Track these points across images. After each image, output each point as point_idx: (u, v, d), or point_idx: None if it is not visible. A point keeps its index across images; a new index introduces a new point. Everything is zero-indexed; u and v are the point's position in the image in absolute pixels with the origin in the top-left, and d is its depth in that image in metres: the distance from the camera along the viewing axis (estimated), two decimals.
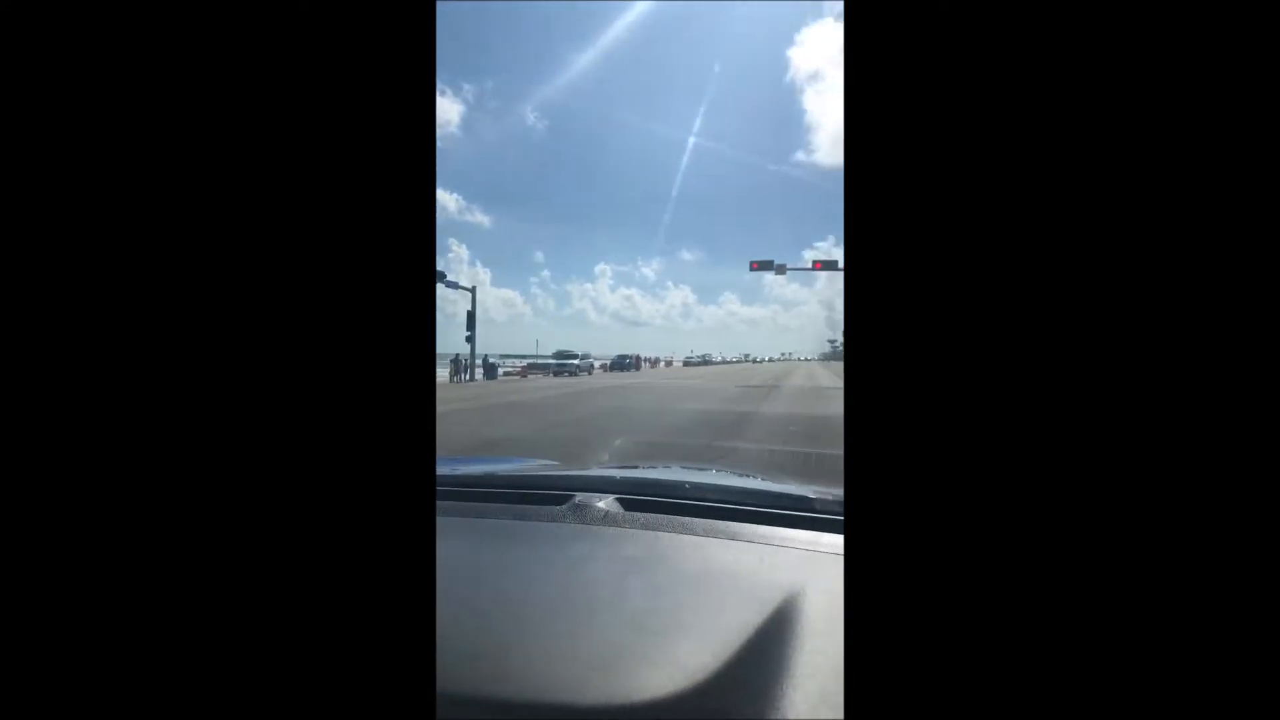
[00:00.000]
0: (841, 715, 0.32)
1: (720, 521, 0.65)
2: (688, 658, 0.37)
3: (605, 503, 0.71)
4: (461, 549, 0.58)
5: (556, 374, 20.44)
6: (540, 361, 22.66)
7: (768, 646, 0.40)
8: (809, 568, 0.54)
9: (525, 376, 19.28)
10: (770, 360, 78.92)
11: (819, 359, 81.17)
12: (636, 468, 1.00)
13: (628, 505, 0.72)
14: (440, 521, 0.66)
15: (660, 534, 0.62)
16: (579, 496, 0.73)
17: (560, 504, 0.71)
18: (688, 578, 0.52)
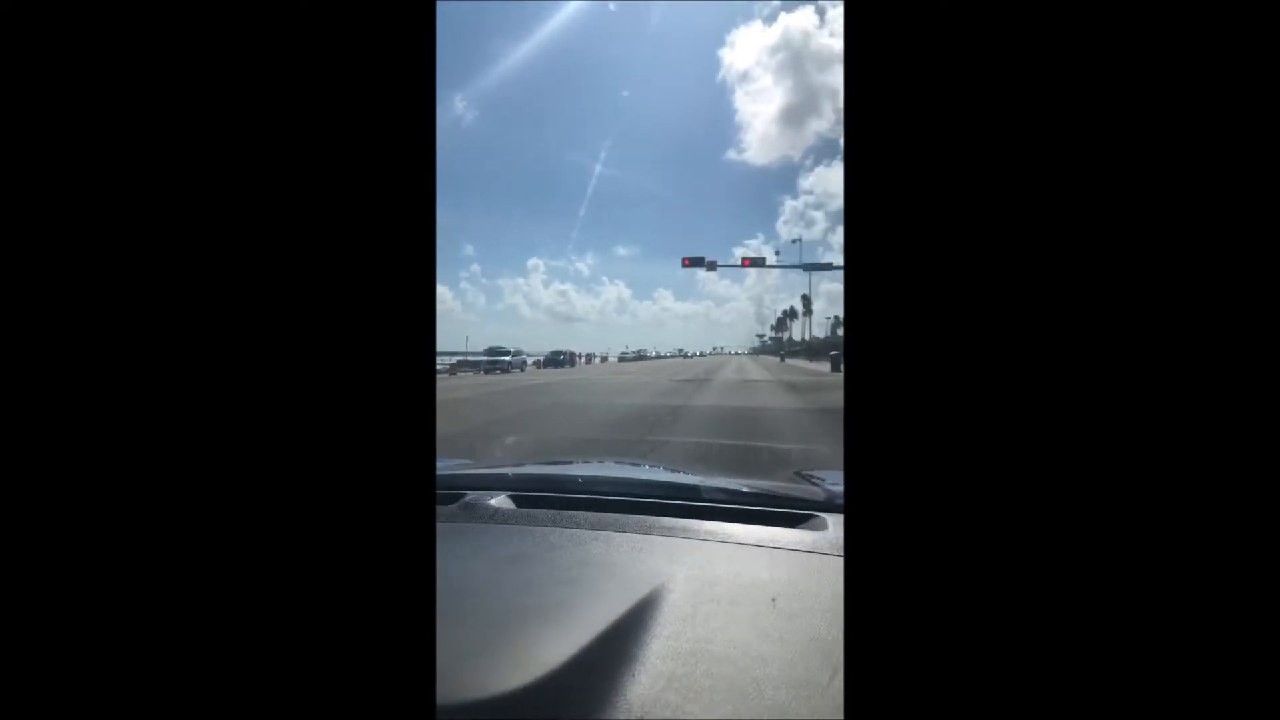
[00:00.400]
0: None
1: (606, 514, 0.67)
2: (543, 650, 0.39)
3: (497, 500, 0.72)
4: None
5: (487, 371, 19.88)
6: (471, 359, 21.96)
7: (623, 635, 0.41)
8: (687, 555, 0.56)
9: (455, 374, 18.60)
10: (703, 355, 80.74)
11: (749, 353, 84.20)
12: (543, 464, 1.00)
13: (520, 502, 0.73)
14: None
15: (547, 529, 0.64)
16: (470, 495, 0.73)
17: (453, 503, 0.71)
18: (562, 571, 0.53)
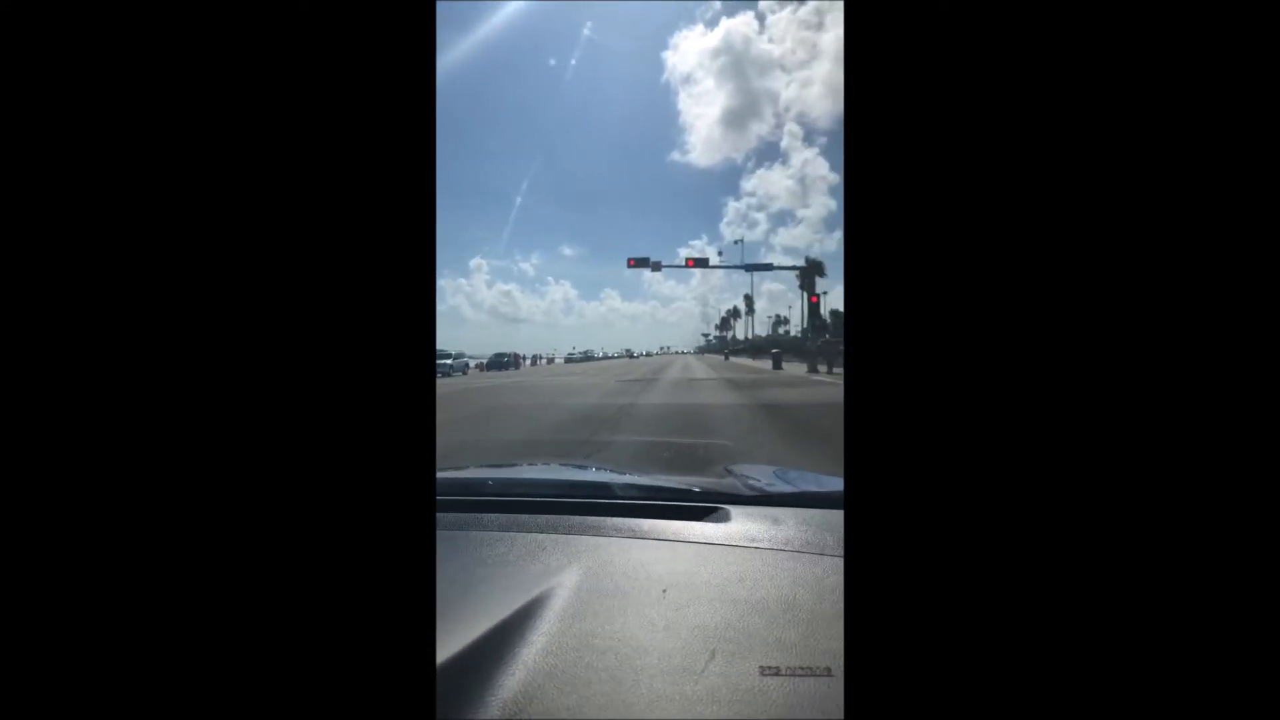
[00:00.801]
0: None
1: (513, 515, 0.68)
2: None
3: None
4: None
5: (448, 374, 19.19)
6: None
7: (507, 634, 0.42)
8: (587, 552, 0.58)
9: None
10: (649, 355, 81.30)
11: (694, 352, 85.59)
12: (462, 469, 1.02)
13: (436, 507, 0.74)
14: None
15: (455, 532, 0.64)
16: None
17: None
18: (459, 573, 0.53)
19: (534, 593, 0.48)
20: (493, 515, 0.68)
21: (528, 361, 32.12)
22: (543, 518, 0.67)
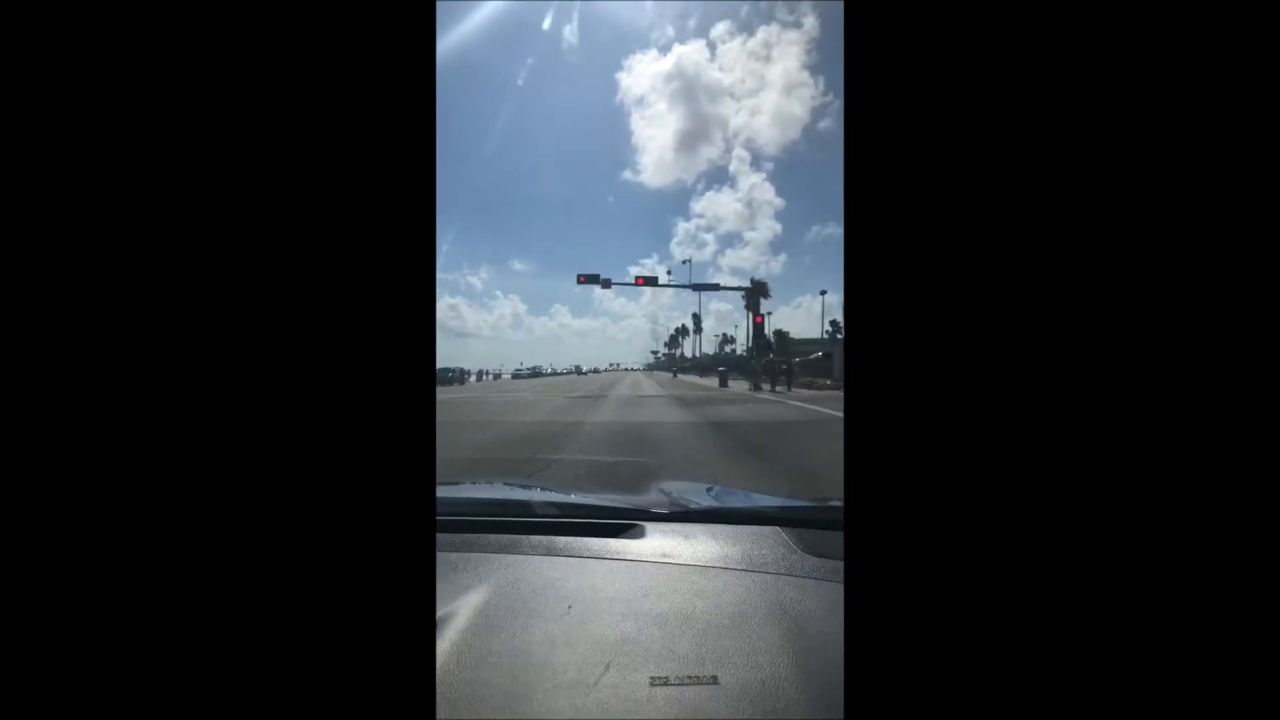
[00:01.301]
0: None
1: (457, 535, 0.69)
2: None
3: None
4: None
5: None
6: None
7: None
8: (500, 570, 0.58)
9: None
10: (598, 371, 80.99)
11: (644, 369, 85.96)
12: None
13: None
14: None
15: None
16: None
17: None
18: None
19: (439, 612, 0.48)
20: (440, 535, 0.69)
21: (473, 377, 31.28)
22: (459, 537, 0.68)
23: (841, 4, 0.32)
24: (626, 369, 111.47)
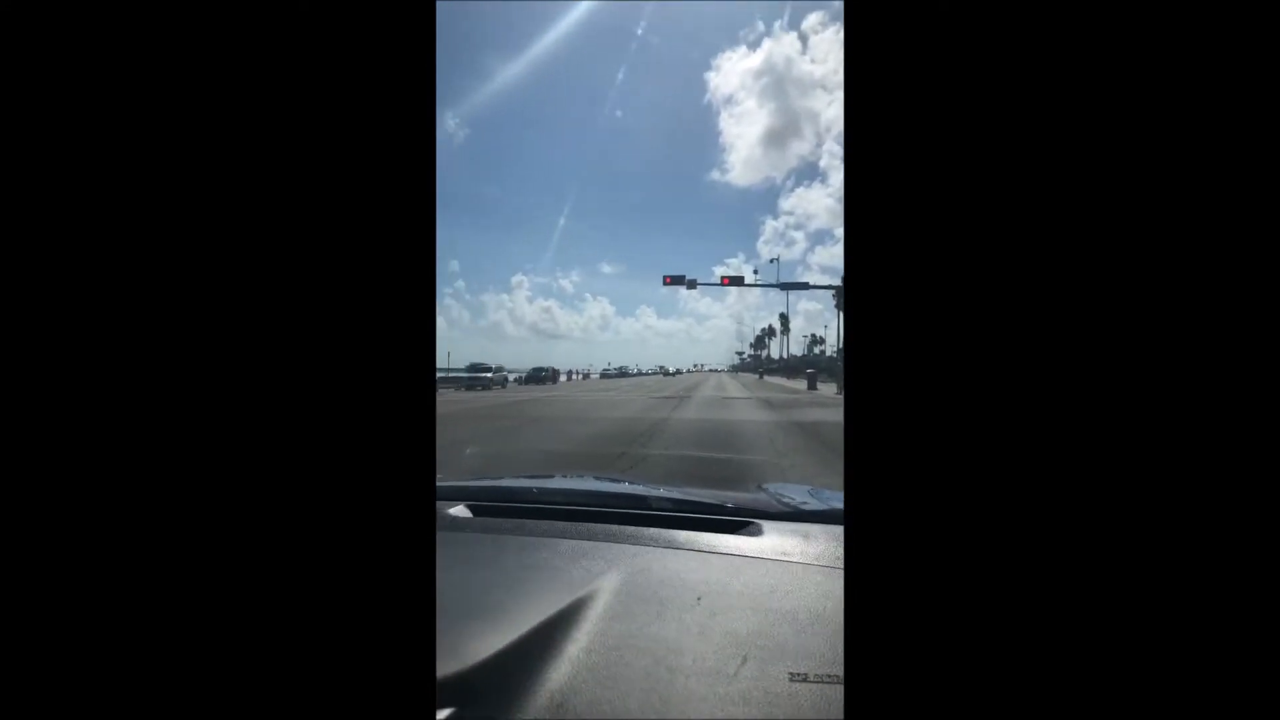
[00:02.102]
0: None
1: (557, 523, 0.72)
2: (473, 646, 0.42)
3: (456, 510, 0.77)
4: None
5: (469, 388, 19.81)
6: (452, 375, 21.83)
7: (552, 632, 0.45)
8: (625, 559, 0.60)
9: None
10: (680, 372, 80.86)
11: (728, 370, 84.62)
12: (501, 479, 1.06)
13: (478, 511, 0.78)
14: None
15: (499, 536, 0.68)
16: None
17: None
18: (504, 574, 0.57)
19: (577, 594, 0.51)
20: (535, 521, 0.72)
21: (564, 376, 32.60)
22: (583, 525, 0.71)
23: None
24: (711, 370, 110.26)
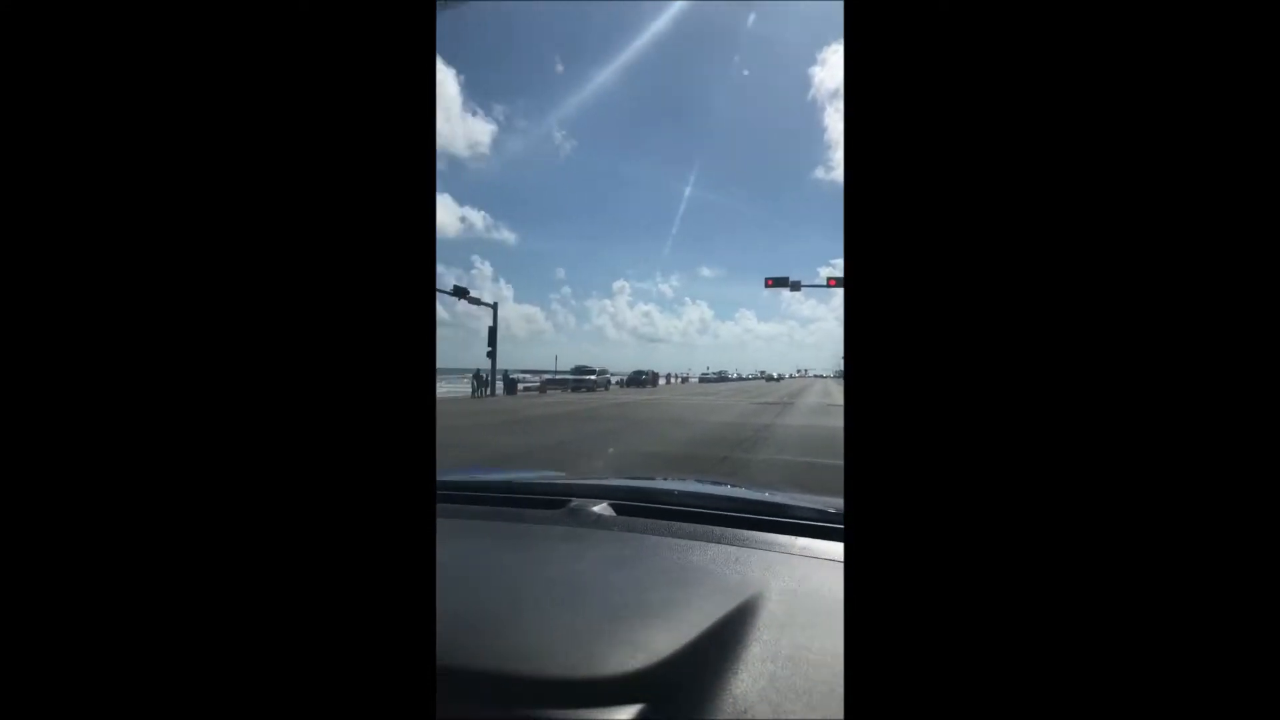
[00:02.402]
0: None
1: (701, 525, 0.72)
2: (656, 640, 0.41)
3: (600, 508, 0.77)
4: (467, 548, 0.64)
5: (574, 389, 20.81)
6: (559, 377, 23.02)
7: (727, 635, 0.44)
8: (780, 568, 0.59)
9: (544, 392, 19.61)
10: (781, 378, 77.95)
11: (834, 376, 79.97)
12: (636, 478, 1.06)
13: (620, 510, 0.77)
14: (450, 524, 0.71)
15: (645, 536, 0.67)
16: (575, 502, 0.79)
17: (560, 508, 0.78)
18: (664, 574, 0.56)
19: (740, 599, 0.50)
20: (680, 524, 0.72)
21: (663, 380, 33.00)
22: (730, 531, 0.70)
23: None
24: (816, 375, 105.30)
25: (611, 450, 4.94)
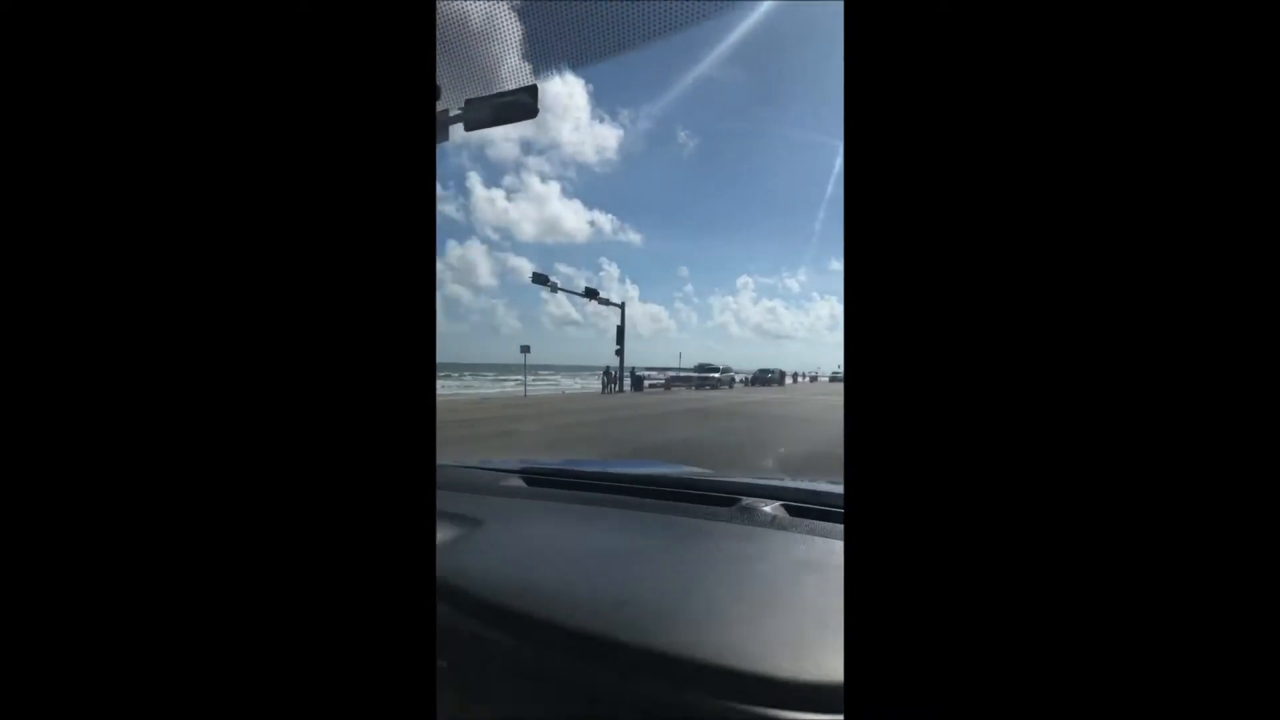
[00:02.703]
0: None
1: None
2: None
3: (771, 508, 0.75)
4: (660, 543, 0.64)
5: (698, 387, 20.92)
6: (683, 374, 23.29)
7: None
8: None
9: (669, 389, 19.98)
10: None
11: None
12: (794, 478, 1.04)
13: (792, 512, 0.75)
14: (631, 516, 0.74)
15: (827, 540, 0.65)
16: (745, 500, 0.76)
17: (725, 505, 0.76)
18: None
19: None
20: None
21: (790, 378, 31.81)
22: None
23: None
24: None
25: (783, 450, 4.92)
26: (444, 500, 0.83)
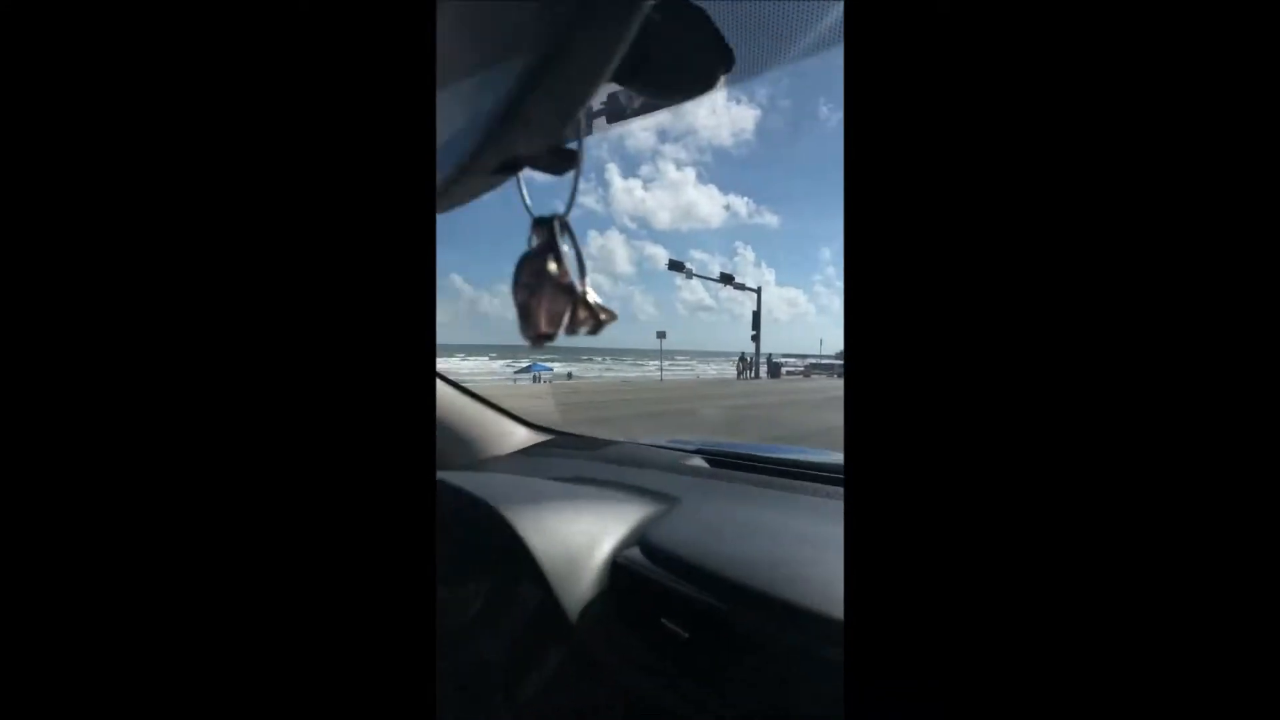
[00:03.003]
0: None
1: None
2: None
3: None
4: (817, 525, 0.66)
5: (840, 375, 19.72)
6: (823, 361, 22.16)
7: None
8: None
9: (808, 376, 19.17)
10: None
11: None
12: None
13: None
14: (803, 499, 0.76)
15: None
16: None
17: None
18: None
19: None
20: None
21: None
22: None
23: None
24: None
25: None
26: (641, 476, 0.92)
